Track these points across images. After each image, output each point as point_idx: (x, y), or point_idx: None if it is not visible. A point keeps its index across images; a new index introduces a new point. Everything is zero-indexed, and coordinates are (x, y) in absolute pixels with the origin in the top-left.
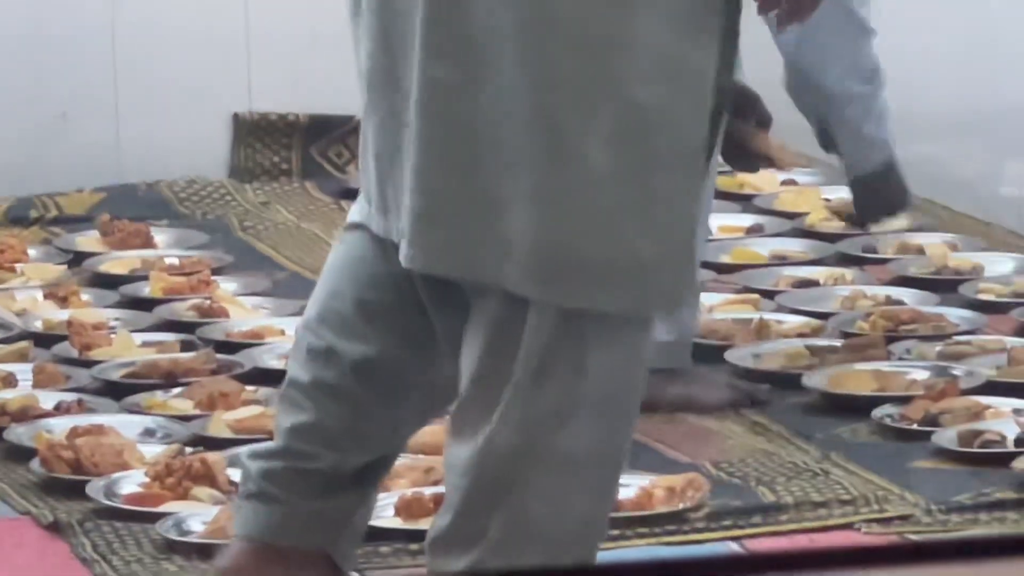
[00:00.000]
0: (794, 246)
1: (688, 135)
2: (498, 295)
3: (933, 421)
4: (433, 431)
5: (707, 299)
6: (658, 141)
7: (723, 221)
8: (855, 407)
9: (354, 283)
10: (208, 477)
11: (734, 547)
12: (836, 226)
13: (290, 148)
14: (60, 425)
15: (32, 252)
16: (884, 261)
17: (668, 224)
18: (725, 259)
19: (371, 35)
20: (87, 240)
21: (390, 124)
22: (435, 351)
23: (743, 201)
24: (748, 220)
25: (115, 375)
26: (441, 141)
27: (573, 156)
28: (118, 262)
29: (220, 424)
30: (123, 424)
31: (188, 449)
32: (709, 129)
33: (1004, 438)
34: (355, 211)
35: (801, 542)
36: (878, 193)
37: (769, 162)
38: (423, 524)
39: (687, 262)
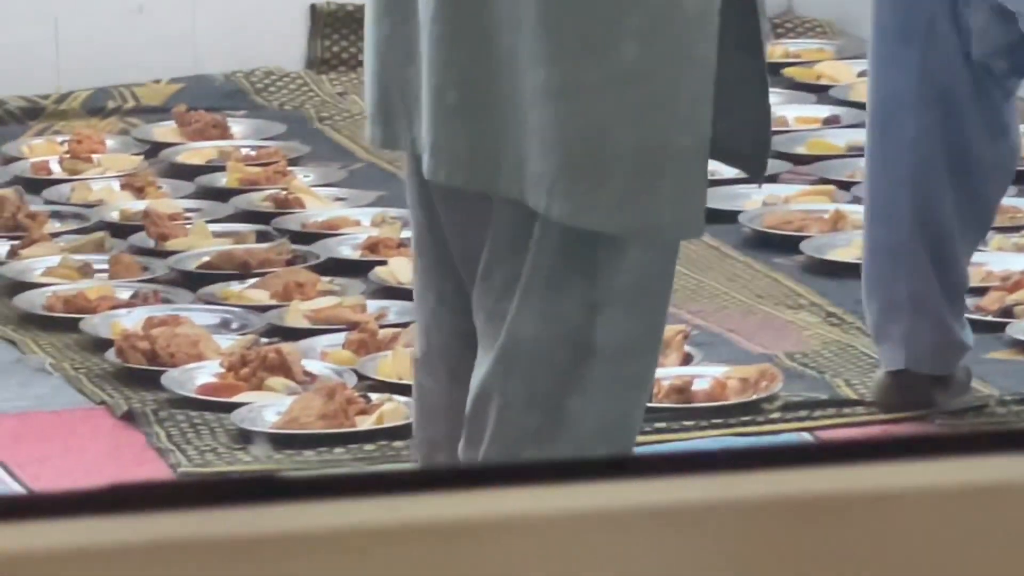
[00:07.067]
0: None
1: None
2: (509, 204)
3: (1008, 312)
4: None
5: (782, 190)
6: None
7: (800, 112)
8: None
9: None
10: (283, 367)
11: (807, 438)
12: None
13: None
14: (136, 315)
15: (109, 143)
16: None
17: (692, 124)
18: (801, 150)
19: None
20: (164, 131)
21: (403, 31)
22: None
23: (819, 92)
24: (824, 111)
25: (191, 265)
26: (456, 47)
27: (602, 52)
28: (194, 152)
29: (296, 314)
30: (199, 315)
31: (263, 339)
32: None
33: None
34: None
35: (875, 433)
36: None
37: None
38: None
39: (703, 175)
